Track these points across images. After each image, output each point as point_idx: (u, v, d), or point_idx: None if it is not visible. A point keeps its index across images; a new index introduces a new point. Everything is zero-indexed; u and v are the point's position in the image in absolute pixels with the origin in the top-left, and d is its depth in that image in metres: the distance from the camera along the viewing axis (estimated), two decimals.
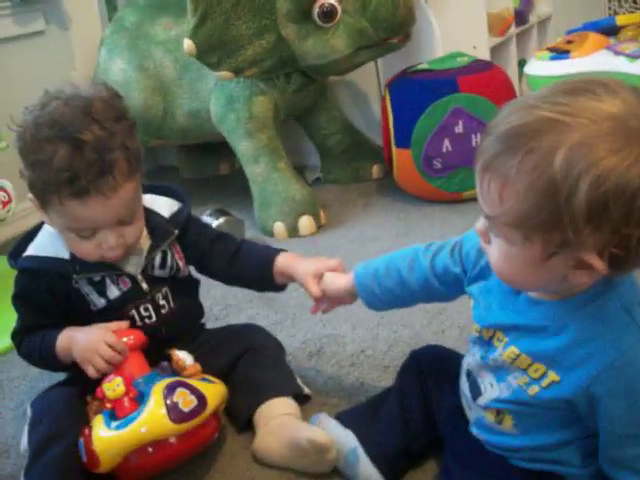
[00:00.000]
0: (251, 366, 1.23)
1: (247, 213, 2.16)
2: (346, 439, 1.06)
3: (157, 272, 1.20)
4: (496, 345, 0.89)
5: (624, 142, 0.68)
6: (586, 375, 0.79)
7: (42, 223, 1.19)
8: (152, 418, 1.03)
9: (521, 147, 0.71)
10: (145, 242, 1.19)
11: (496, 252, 0.80)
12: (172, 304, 1.23)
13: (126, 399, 1.06)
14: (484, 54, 2.37)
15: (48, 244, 1.17)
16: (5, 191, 1.96)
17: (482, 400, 0.93)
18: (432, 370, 1.10)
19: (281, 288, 1.30)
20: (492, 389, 0.91)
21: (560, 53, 1.81)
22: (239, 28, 1.97)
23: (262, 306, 1.65)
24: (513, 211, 0.73)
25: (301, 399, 1.22)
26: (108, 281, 1.16)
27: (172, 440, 1.05)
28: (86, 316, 1.16)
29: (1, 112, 1.83)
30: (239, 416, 1.21)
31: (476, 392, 0.95)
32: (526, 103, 0.74)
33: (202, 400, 1.07)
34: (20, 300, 1.19)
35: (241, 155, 2.16)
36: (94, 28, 2.68)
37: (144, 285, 1.19)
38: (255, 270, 1.27)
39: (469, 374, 0.97)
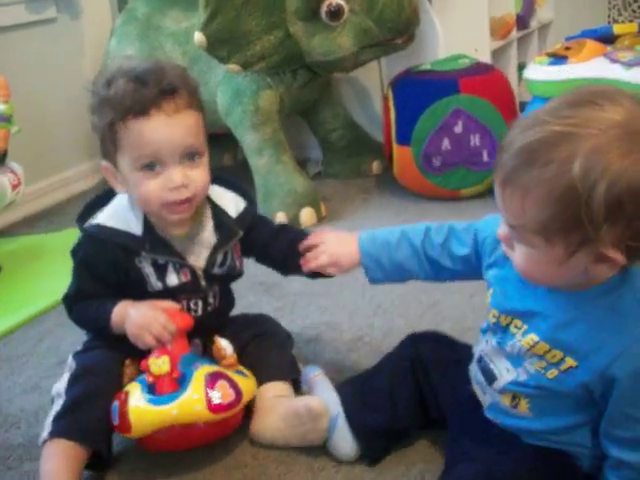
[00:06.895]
0: (258, 351, 1.26)
1: None
2: (331, 404, 1.13)
3: (216, 269, 1.22)
4: (514, 332, 0.93)
5: (631, 145, 0.76)
6: (602, 360, 0.85)
7: (111, 192, 1.19)
8: (191, 403, 1.08)
9: (538, 159, 0.78)
10: (211, 237, 1.20)
11: (520, 256, 0.86)
12: (218, 302, 1.26)
13: (168, 378, 1.10)
14: (485, 57, 2.42)
15: (121, 216, 1.17)
16: (15, 174, 1.99)
17: (498, 384, 0.97)
18: (432, 355, 1.14)
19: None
20: (508, 373, 0.95)
21: (558, 58, 1.85)
22: (249, 24, 2.02)
23: (263, 293, 1.71)
24: (535, 219, 0.79)
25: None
26: (170, 267, 1.18)
27: (201, 424, 1.10)
28: (140, 295, 1.17)
29: (13, 98, 1.90)
30: None
31: (491, 377, 0.98)
32: (537, 119, 0.80)
33: (239, 395, 1.12)
34: (82, 266, 1.19)
35: (246, 147, 2.21)
36: (104, 18, 2.74)
37: (202, 282, 1.21)
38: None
39: (480, 360, 1.02)
